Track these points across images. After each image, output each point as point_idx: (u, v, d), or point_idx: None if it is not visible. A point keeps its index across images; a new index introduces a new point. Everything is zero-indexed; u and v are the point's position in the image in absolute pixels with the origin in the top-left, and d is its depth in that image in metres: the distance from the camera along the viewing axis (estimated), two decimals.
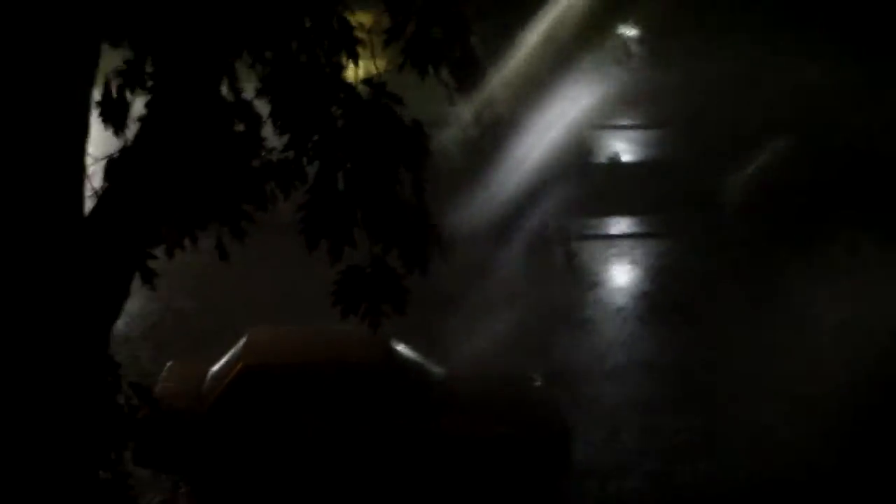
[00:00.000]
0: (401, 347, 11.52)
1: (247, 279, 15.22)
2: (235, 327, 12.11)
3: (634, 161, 23.03)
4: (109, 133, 6.29)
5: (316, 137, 5.69)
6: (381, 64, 5.94)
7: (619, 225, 19.71)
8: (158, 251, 6.41)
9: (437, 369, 11.72)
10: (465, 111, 5.77)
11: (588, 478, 11.54)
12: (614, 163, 22.35)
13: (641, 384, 13.65)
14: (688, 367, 13.81)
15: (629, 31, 24.83)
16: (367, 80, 5.77)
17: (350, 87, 5.75)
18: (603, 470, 11.68)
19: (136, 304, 14.69)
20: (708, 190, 19.50)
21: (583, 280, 16.91)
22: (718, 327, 14.74)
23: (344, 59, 5.78)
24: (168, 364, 11.99)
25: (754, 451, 11.88)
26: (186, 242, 6.48)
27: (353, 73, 5.93)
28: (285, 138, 5.94)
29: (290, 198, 6.61)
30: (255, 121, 6.25)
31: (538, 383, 12.11)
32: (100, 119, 6.20)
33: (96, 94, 6.08)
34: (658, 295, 16.59)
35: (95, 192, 6.13)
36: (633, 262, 18.16)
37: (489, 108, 5.95)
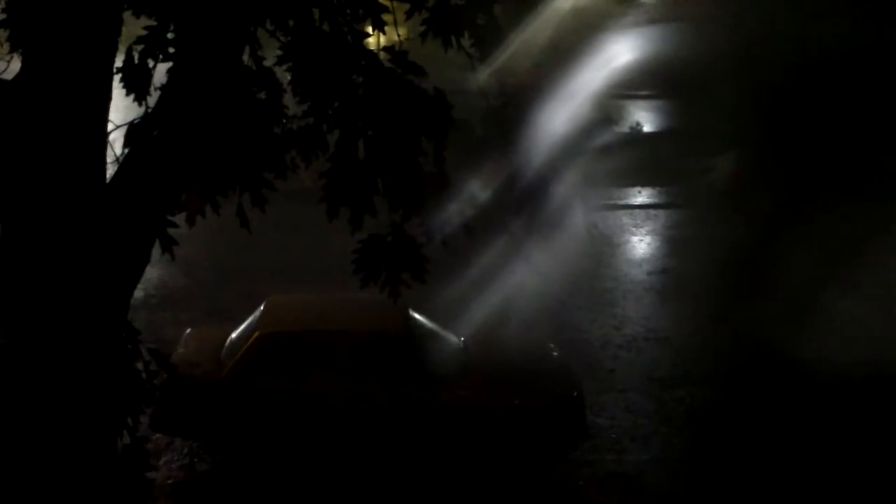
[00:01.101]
0: (419, 316, 11.53)
1: (266, 247, 15.27)
2: (253, 295, 12.15)
3: (655, 131, 22.93)
4: (131, 100, 6.28)
5: (337, 105, 5.66)
6: (404, 33, 5.90)
7: (640, 195, 19.67)
8: (179, 218, 6.42)
9: (454, 338, 11.74)
10: (487, 80, 5.72)
11: (603, 448, 11.56)
12: (636, 132, 22.25)
13: (658, 356, 13.64)
14: (707, 340, 13.78)
15: None
16: (389, 49, 5.74)
17: (372, 55, 5.72)
18: (619, 440, 11.71)
19: (156, 271, 14.78)
20: (726, 160, 19.40)
21: (602, 250, 16.89)
22: (738, 298, 14.69)
23: (367, 28, 5.75)
24: (186, 331, 12.05)
25: (771, 425, 11.88)
26: (207, 209, 6.49)
27: (376, 41, 5.90)
28: (306, 106, 5.92)
29: (311, 166, 6.61)
30: (276, 88, 6.24)
31: (555, 353, 12.12)
32: (122, 86, 6.19)
33: (118, 62, 6.07)
34: (676, 266, 16.55)
35: (117, 159, 6.13)
36: (652, 232, 18.13)
37: (512, 76, 5.91)
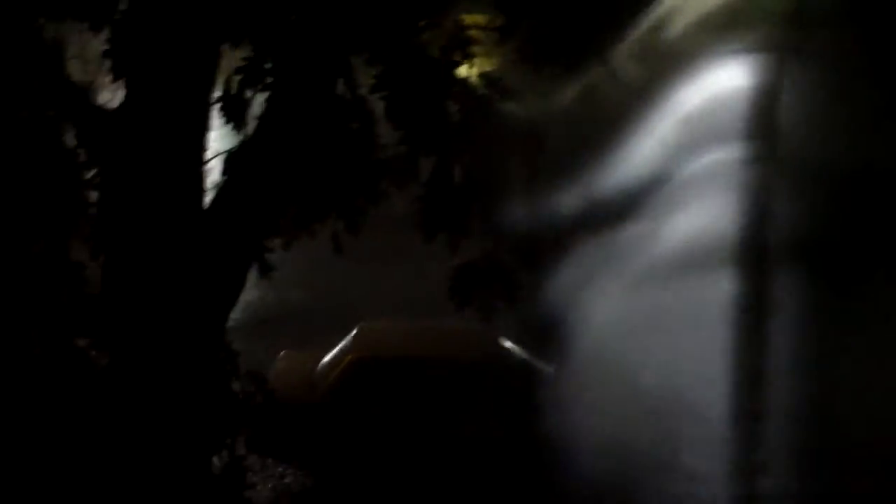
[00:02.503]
0: (510, 345, 11.54)
1: (359, 273, 15.41)
2: (346, 320, 12.28)
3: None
4: (229, 129, 6.45)
5: (431, 131, 5.75)
6: (496, 62, 5.97)
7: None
8: (275, 244, 6.56)
9: (545, 367, 11.71)
10: (576, 104, 5.78)
11: (687, 480, 11.36)
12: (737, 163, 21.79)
13: (752, 390, 13.28)
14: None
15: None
16: (483, 74, 5.82)
17: (464, 83, 5.80)
18: (699, 474, 11.48)
19: (251, 294, 15.01)
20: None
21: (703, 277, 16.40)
22: None
23: (458, 57, 5.83)
24: (281, 354, 12.22)
25: None
26: (303, 235, 6.62)
27: (468, 69, 5.97)
28: (399, 135, 6.02)
29: (404, 194, 6.70)
30: (369, 118, 6.35)
31: (646, 382, 11.99)
32: (220, 116, 6.36)
33: (217, 92, 6.25)
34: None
35: (215, 186, 6.30)
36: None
37: (600, 103, 5.96)
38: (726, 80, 20.72)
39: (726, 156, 20.19)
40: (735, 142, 21.85)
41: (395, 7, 5.75)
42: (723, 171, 19.65)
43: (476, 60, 5.81)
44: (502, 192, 5.90)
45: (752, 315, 15.28)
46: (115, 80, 6.11)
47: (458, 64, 5.74)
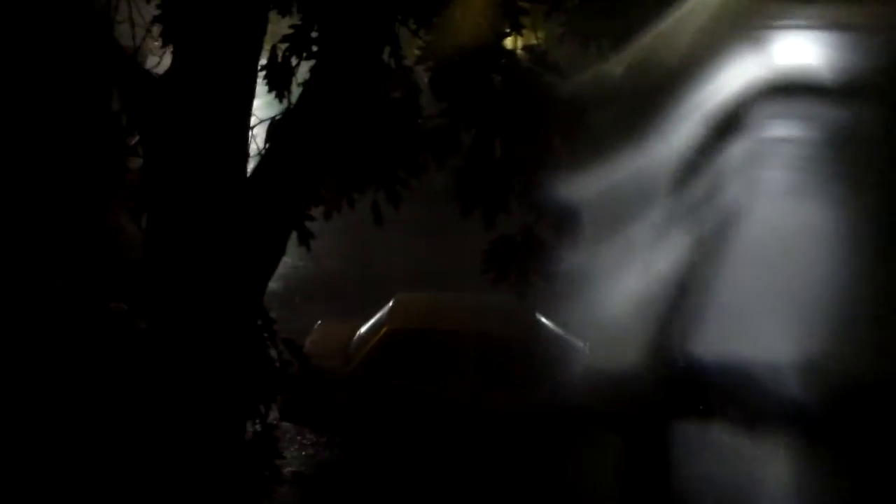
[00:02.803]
0: (545, 320, 11.54)
1: (397, 245, 15.44)
2: (383, 292, 12.33)
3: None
4: (273, 97, 6.46)
5: (475, 103, 5.73)
6: (542, 35, 5.93)
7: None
8: (316, 212, 6.58)
9: (580, 344, 11.71)
10: (625, 79, 5.70)
11: (725, 464, 11.35)
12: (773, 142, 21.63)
13: (777, 375, 13.14)
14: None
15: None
16: (529, 47, 5.78)
17: (511, 54, 5.76)
18: (741, 458, 11.46)
19: (290, 263, 15.09)
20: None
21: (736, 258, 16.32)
22: None
23: (506, 28, 5.79)
24: (317, 323, 12.30)
25: None
26: (343, 204, 6.63)
27: (513, 42, 5.94)
28: (442, 107, 6.00)
29: (443, 167, 6.69)
30: (413, 89, 6.34)
31: (681, 364, 11.97)
32: (265, 83, 6.38)
33: (263, 60, 6.26)
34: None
35: (259, 153, 6.32)
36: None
37: (649, 77, 5.88)
38: (783, 55, 20.33)
39: (777, 133, 19.94)
40: (788, 120, 21.59)
41: None
42: (771, 149, 19.45)
43: (523, 32, 5.78)
44: (543, 167, 5.86)
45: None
46: (164, 45, 6.14)
47: (506, 35, 5.71)
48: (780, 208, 17.69)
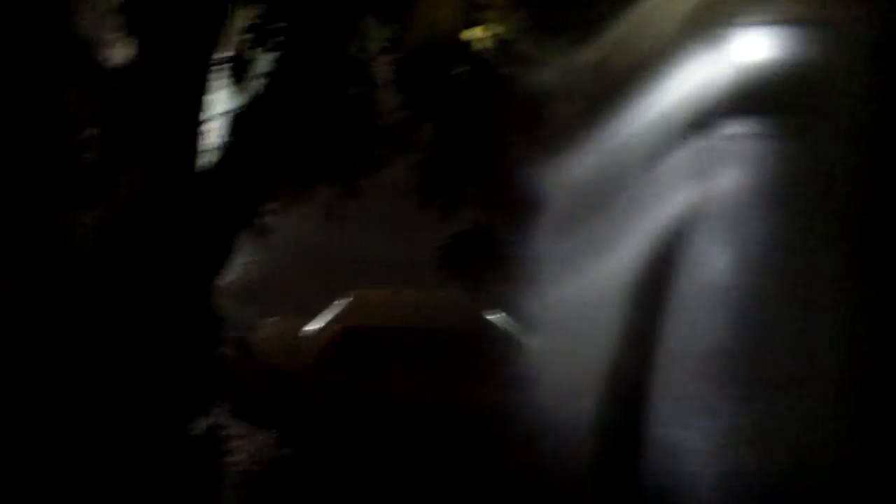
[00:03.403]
0: (499, 317, 11.57)
1: (352, 241, 15.38)
2: (337, 288, 12.28)
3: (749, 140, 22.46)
4: (234, 89, 6.42)
5: (437, 95, 5.75)
6: (505, 31, 5.95)
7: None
8: (271, 207, 6.55)
9: (530, 340, 11.74)
10: (585, 75, 5.76)
11: (665, 461, 11.44)
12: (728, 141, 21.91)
13: (725, 372, 13.35)
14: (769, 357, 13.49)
15: None
16: (494, 38, 5.80)
17: (472, 47, 5.78)
18: (681, 455, 11.56)
19: (241, 259, 14.97)
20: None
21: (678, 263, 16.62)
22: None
23: (473, 20, 5.81)
24: (270, 320, 12.22)
25: None
26: (299, 200, 6.61)
27: (482, 32, 5.94)
28: (400, 101, 6.00)
29: (400, 162, 6.69)
30: (371, 84, 6.34)
31: (626, 361, 12.03)
32: (228, 75, 6.34)
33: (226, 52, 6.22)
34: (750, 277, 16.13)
35: (218, 146, 6.29)
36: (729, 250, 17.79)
37: (611, 78, 5.94)
38: (745, 51, 20.58)
39: (737, 130, 20.11)
40: (749, 116, 21.74)
41: None
42: (732, 147, 19.60)
43: (490, 24, 5.80)
44: (502, 160, 5.90)
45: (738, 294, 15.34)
46: (128, 36, 6.08)
47: (469, 27, 5.72)
48: (730, 213, 17.98)
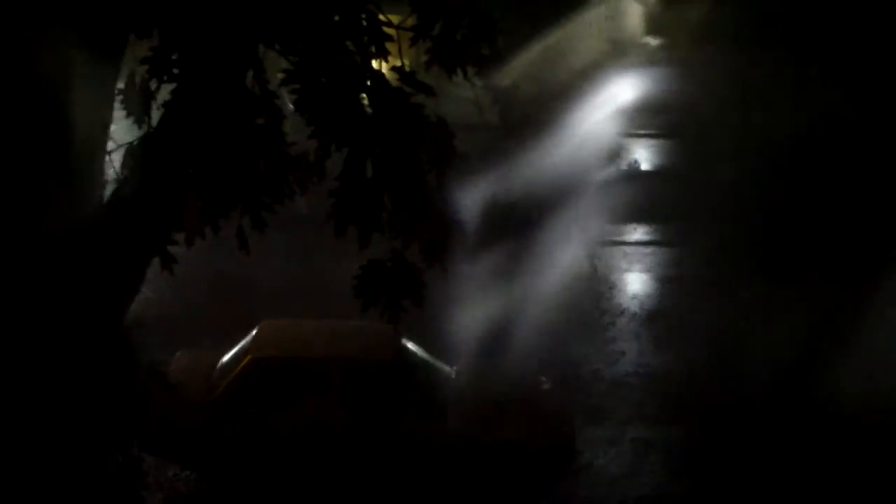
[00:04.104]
0: (411, 345, 11.52)
1: (262, 272, 15.23)
2: (247, 319, 12.14)
3: (653, 169, 23.06)
4: (131, 121, 6.29)
5: (344, 124, 5.69)
6: (408, 64, 5.94)
7: (636, 232, 19.69)
8: (178, 238, 6.42)
9: (447, 369, 11.72)
10: (490, 112, 5.77)
11: (593, 484, 11.53)
12: (634, 170, 22.39)
13: (649, 393, 13.62)
14: (698, 379, 13.77)
15: (654, 41, 25.00)
16: (397, 69, 5.78)
17: (379, 75, 5.75)
18: (609, 476, 11.67)
19: (149, 291, 14.73)
20: (721, 200, 19.48)
21: (597, 285, 16.90)
22: (732, 338, 14.69)
23: (372, 51, 5.78)
24: (178, 352, 12.02)
25: (764, 463, 11.87)
26: (207, 231, 6.49)
27: (379, 66, 5.92)
28: (307, 132, 5.93)
29: (310, 193, 6.62)
30: (276, 114, 6.25)
31: (547, 386, 12.11)
32: (122, 108, 6.20)
33: (120, 84, 6.10)
34: (671, 304, 16.57)
35: (116, 178, 6.15)
36: (648, 269, 18.15)
37: (515, 108, 5.96)
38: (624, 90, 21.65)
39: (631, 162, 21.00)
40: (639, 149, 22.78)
41: (307, 2, 5.69)
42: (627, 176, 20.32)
43: (389, 58, 5.77)
44: (414, 188, 5.86)
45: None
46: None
47: (373, 57, 5.70)
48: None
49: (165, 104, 5.97)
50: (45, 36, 5.60)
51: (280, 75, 5.84)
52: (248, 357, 10.96)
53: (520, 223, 6.58)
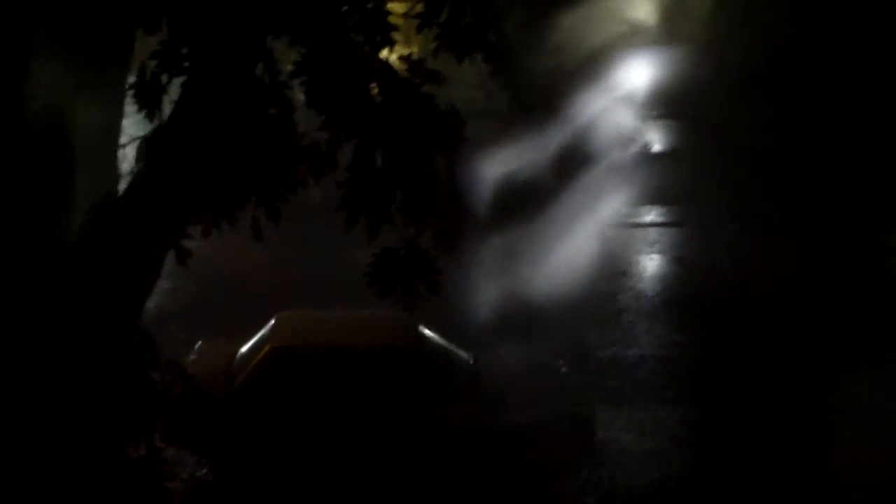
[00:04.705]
0: (429, 332, 11.56)
1: (278, 262, 15.31)
2: (265, 309, 12.20)
3: (665, 151, 23.03)
4: (143, 115, 6.34)
5: (353, 115, 5.71)
6: (416, 51, 5.97)
7: (651, 214, 19.68)
8: (194, 231, 6.47)
9: (464, 355, 11.76)
10: (500, 98, 5.79)
11: (612, 466, 11.56)
12: (646, 153, 22.37)
13: (666, 375, 13.63)
14: (714, 360, 13.79)
15: (664, 22, 24.95)
16: (405, 58, 5.80)
17: (387, 65, 5.77)
18: (627, 459, 11.70)
19: (167, 283, 14.84)
20: (734, 181, 19.48)
21: (612, 268, 16.91)
22: (745, 319, 14.69)
23: (379, 41, 5.79)
24: (198, 343, 12.09)
25: (776, 443, 11.88)
26: (222, 223, 6.54)
27: (388, 55, 5.95)
28: (318, 122, 5.96)
29: (323, 183, 6.66)
30: (287, 105, 6.29)
31: (564, 370, 12.14)
32: (134, 102, 6.25)
33: (131, 78, 6.14)
34: (685, 286, 16.55)
35: (130, 172, 6.20)
36: (662, 251, 18.14)
37: (524, 94, 5.96)
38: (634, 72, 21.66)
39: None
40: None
41: None
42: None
43: (396, 46, 5.79)
44: (424, 177, 5.89)
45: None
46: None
47: (380, 47, 5.72)
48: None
49: (177, 98, 6.02)
50: (50, 34, 5.64)
51: (290, 67, 5.88)
52: (268, 346, 11.02)
53: (533, 207, 6.60)
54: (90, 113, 5.78)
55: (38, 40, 5.58)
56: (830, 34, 20.37)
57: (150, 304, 6.69)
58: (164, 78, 6.10)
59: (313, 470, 11.02)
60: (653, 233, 18.85)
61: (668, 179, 20.34)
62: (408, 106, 5.71)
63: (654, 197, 19.85)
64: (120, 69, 6.03)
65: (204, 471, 11.28)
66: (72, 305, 6.11)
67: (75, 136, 5.80)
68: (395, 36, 5.69)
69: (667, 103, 24.28)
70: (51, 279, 6.09)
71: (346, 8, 5.66)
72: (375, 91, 5.74)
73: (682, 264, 15.07)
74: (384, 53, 5.81)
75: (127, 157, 6.25)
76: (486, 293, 13.80)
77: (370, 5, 5.71)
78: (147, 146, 6.17)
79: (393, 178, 5.87)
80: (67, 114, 5.71)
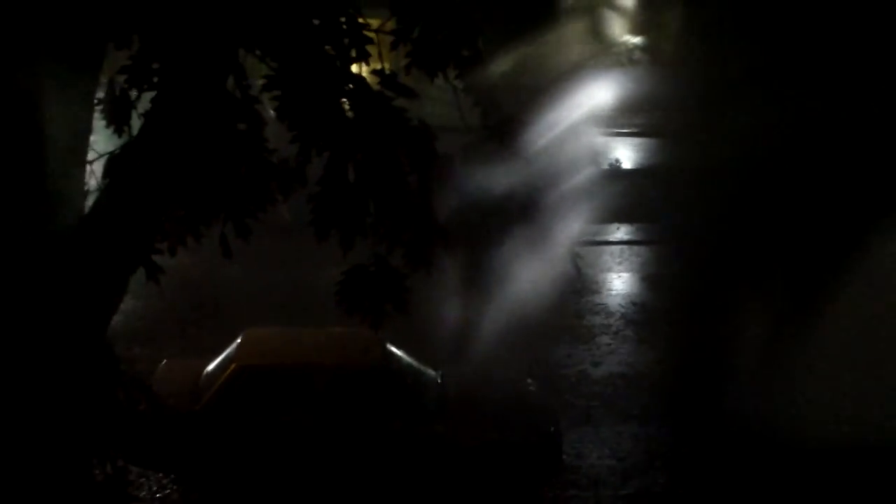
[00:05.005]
0: (397, 350, 11.50)
1: (245, 280, 15.21)
2: (231, 327, 12.10)
3: (634, 168, 23.18)
4: (111, 130, 6.26)
5: (325, 128, 5.66)
6: (388, 65, 5.92)
7: (618, 232, 19.77)
8: (161, 247, 6.39)
9: (432, 372, 11.71)
10: (471, 113, 5.77)
11: (579, 485, 11.53)
12: (615, 170, 22.49)
13: (635, 392, 13.64)
14: (683, 377, 13.81)
15: (634, 39, 25.15)
16: (378, 72, 5.76)
17: (360, 78, 5.73)
18: (595, 477, 11.68)
19: (132, 301, 14.70)
20: (703, 198, 19.59)
21: (580, 285, 16.94)
22: (715, 336, 14.73)
23: (352, 55, 5.76)
24: (163, 362, 11.97)
25: (749, 462, 11.89)
26: (189, 240, 6.46)
27: (359, 70, 5.91)
28: (287, 139, 5.91)
29: (291, 200, 6.60)
30: (257, 120, 6.23)
31: (532, 388, 12.12)
32: (103, 118, 6.17)
33: (100, 93, 6.06)
34: (654, 303, 16.62)
35: (97, 188, 6.11)
36: (630, 268, 18.21)
37: (496, 110, 5.94)
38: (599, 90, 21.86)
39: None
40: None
41: (289, 3, 5.66)
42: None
43: (370, 61, 5.76)
44: (396, 192, 5.84)
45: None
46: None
47: (353, 61, 5.68)
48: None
49: (146, 113, 5.95)
50: (17, 48, 5.56)
51: (261, 81, 5.82)
52: (234, 365, 10.92)
53: (502, 224, 6.57)
54: (57, 122, 5.70)
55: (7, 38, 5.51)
56: (804, 51, 20.56)
57: (115, 320, 6.59)
58: (134, 93, 6.02)
59: (280, 489, 10.92)
60: (621, 250, 18.92)
61: (637, 197, 20.44)
62: (380, 120, 5.66)
63: (623, 214, 19.94)
64: (89, 83, 5.95)
65: (168, 491, 11.14)
66: (35, 320, 6.01)
67: (44, 144, 5.72)
68: (369, 50, 5.66)
69: (637, 120, 24.45)
70: (14, 293, 6.00)
71: (318, 21, 5.62)
72: (347, 106, 5.70)
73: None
74: (356, 68, 5.77)
75: (94, 174, 6.16)
76: (454, 311, 13.73)
77: (344, 19, 5.66)
78: (115, 162, 6.08)
79: (366, 191, 5.83)
80: (36, 118, 5.63)
